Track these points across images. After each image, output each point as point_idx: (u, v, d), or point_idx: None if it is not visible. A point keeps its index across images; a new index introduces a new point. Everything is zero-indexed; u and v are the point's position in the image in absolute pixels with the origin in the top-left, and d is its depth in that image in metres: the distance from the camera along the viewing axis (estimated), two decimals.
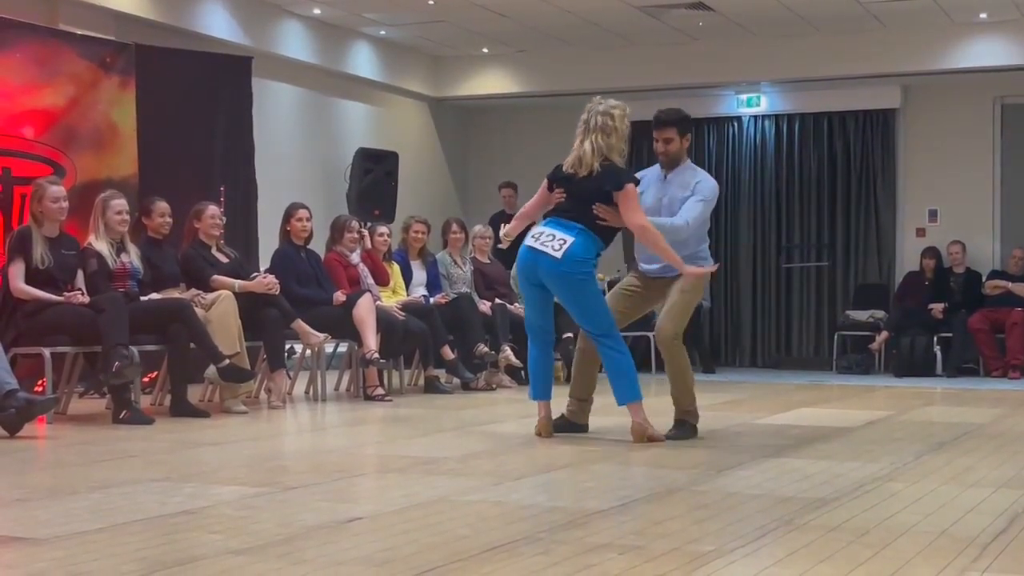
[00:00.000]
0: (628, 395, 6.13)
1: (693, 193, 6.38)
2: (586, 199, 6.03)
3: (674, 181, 6.43)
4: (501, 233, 6.49)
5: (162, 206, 8.05)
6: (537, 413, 6.38)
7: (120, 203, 7.66)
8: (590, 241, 6.04)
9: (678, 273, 6.26)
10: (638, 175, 6.39)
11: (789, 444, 6.19)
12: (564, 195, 6.10)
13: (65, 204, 7.33)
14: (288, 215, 8.98)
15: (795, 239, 13.92)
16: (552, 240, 6.00)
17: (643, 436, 6.12)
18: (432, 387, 9.45)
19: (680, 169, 6.46)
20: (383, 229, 9.83)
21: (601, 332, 6.15)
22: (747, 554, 3.52)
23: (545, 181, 6.26)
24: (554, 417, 6.43)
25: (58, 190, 7.34)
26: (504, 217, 13.13)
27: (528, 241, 6.12)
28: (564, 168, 6.15)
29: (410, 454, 5.84)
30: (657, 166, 6.54)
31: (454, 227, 10.45)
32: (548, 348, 6.39)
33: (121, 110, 9.41)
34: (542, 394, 6.35)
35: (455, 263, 10.34)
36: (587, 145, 6.05)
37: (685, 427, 6.41)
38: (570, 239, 5.98)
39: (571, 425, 6.49)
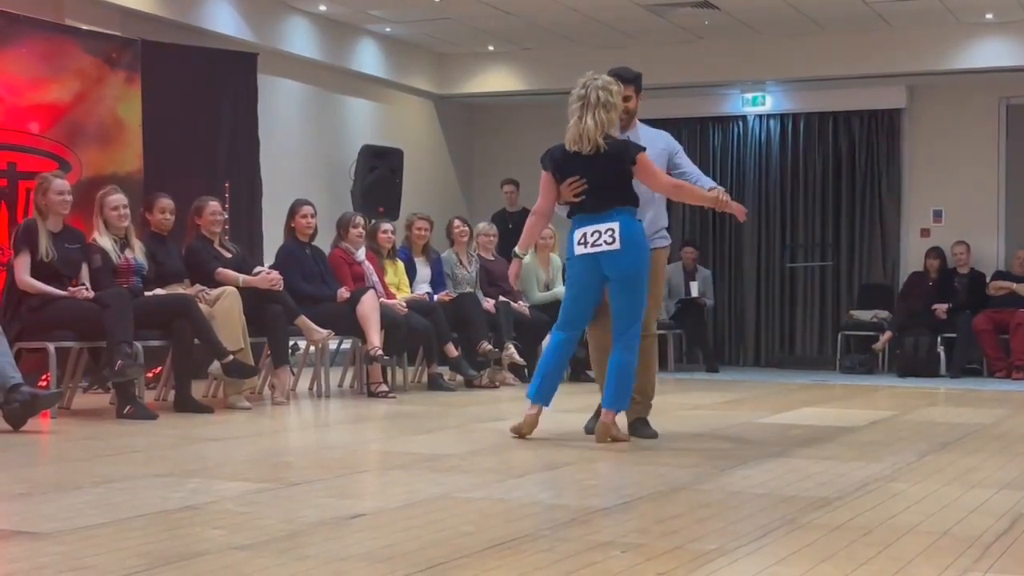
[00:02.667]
0: (621, 403, 6.08)
1: (670, 152, 6.37)
2: (606, 182, 5.96)
3: (642, 141, 6.29)
4: (518, 250, 6.37)
5: (164, 203, 8.05)
6: (527, 410, 6.16)
7: (117, 198, 7.64)
8: (630, 214, 5.99)
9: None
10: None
11: (792, 443, 6.20)
12: (583, 183, 5.97)
13: (69, 198, 7.33)
14: (293, 212, 8.99)
15: (799, 238, 13.91)
16: (600, 236, 5.92)
17: (607, 436, 6.03)
18: (435, 384, 9.45)
19: (633, 131, 6.39)
20: (387, 226, 9.83)
21: (633, 328, 6.00)
22: (749, 553, 3.52)
23: (545, 172, 6.10)
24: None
25: (62, 184, 7.35)
26: (506, 215, 13.18)
27: (578, 251, 5.99)
28: (568, 147, 6.02)
29: (413, 451, 5.84)
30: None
31: (456, 223, 10.44)
32: (571, 347, 6.22)
33: (127, 105, 9.42)
34: (543, 399, 6.15)
35: (460, 263, 10.33)
36: (590, 120, 5.94)
37: (649, 425, 6.38)
38: (615, 224, 5.90)
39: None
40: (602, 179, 5.98)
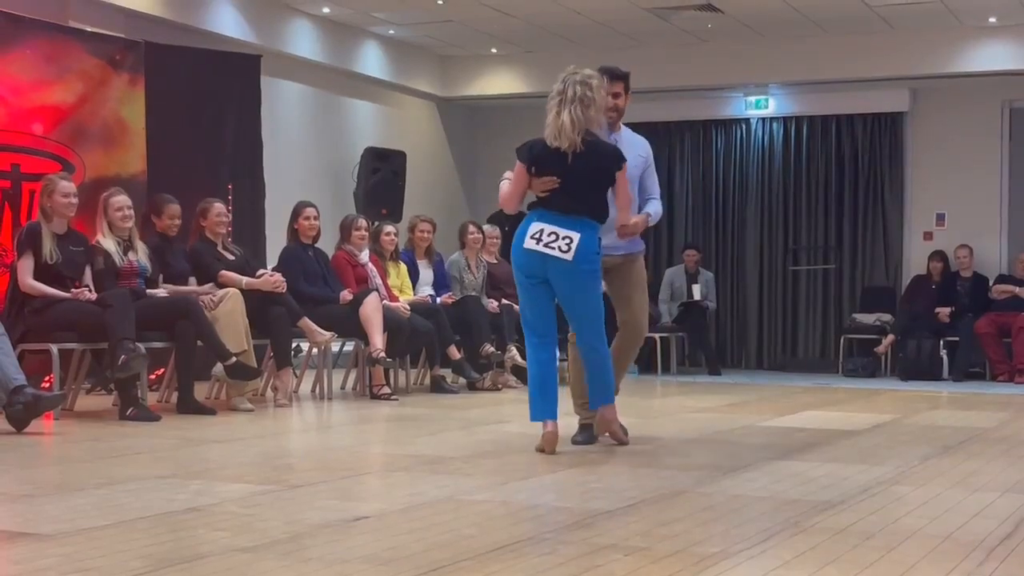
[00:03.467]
0: (607, 398, 5.92)
1: (648, 163, 6.28)
2: (586, 182, 5.70)
3: (625, 143, 6.18)
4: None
5: (173, 209, 8.07)
6: (543, 429, 5.73)
7: (121, 200, 7.65)
8: (594, 230, 5.72)
9: (623, 252, 6.13)
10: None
11: (795, 447, 6.19)
12: (557, 181, 5.69)
13: (75, 200, 7.34)
14: (296, 213, 9.00)
15: (802, 241, 13.92)
16: (556, 240, 5.64)
17: (605, 430, 5.96)
18: (438, 386, 9.45)
19: (618, 132, 6.25)
20: (390, 228, 9.84)
21: (595, 336, 5.82)
22: (752, 556, 3.52)
23: (520, 164, 5.83)
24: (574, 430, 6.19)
25: (68, 186, 7.35)
26: (503, 217, 13.17)
27: (528, 244, 5.68)
28: (548, 142, 5.75)
29: (416, 453, 5.84)
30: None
31: (471, 229, 10.42)
32: (551, 353, 5.82)
33: (130, 107, 9.42)
34: (549, 413, 5.71)
35: (469, 268, 10.32)
36: (565, 117, 5.62)
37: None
38: (576, 235, 5.63)
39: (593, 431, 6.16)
40: (577, 181, 5.70)
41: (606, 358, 5.92)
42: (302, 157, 12.28)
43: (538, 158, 5.79)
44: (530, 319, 5.87)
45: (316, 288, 8.84)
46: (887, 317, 12.85)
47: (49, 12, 9.29)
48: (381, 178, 12.51)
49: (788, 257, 13.97)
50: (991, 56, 12.48)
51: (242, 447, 6.10)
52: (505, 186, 5.99)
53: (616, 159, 5.80)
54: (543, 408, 5.74)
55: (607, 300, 6.13)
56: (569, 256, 5.64)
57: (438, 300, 9.81)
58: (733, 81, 13.59)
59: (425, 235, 10.14)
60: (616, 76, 6.22)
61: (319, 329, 8.41)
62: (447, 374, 9.65)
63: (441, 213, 12.05)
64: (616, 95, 6.20)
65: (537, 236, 5.69)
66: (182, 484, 4.70)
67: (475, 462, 5.48)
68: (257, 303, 8.00)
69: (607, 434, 6.07)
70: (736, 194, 14.07)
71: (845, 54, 12.88)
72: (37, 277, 7.17)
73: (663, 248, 14.32)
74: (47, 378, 7.47)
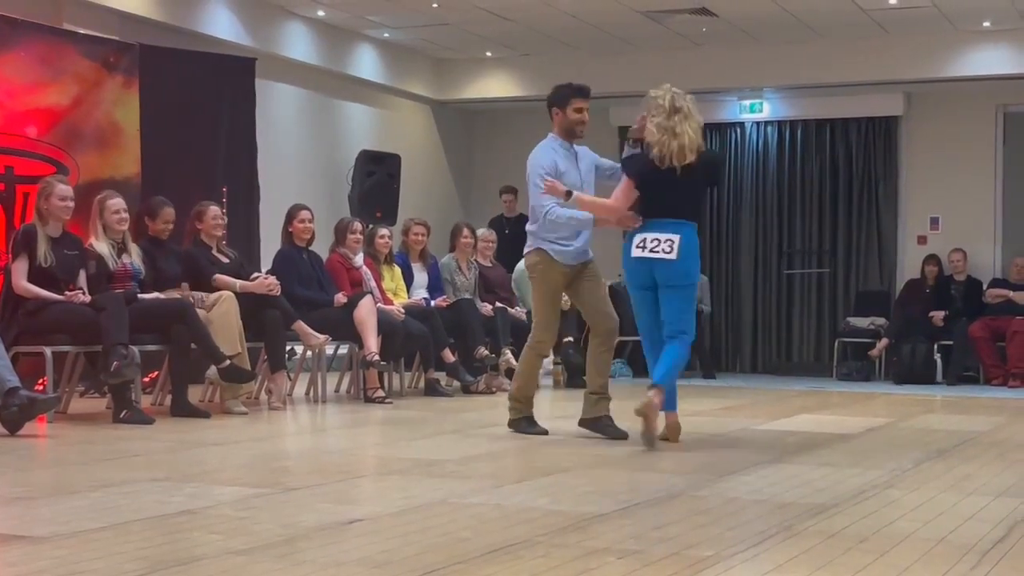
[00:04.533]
0: (668, 380, 6.16)
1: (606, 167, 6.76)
2: (685, 193, 6.11)
3: (581, 154, 6.73)
4: (575, 195, 6.42)
5: (168, 212, 8.06)
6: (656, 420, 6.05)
7: (116, 202, 7.65)
8: (693, 232, 6.17)
9: (580, 261, 6.60)
10: (546, 159, 6.58)
11: (789, 450, 6.20)
12: (642, 196, 6.17)
13: (71, 204, 7.34)
14: (290, 216, 8.99)
15: (796, 245, 13.92)
16: (659, 244, 6.06)
17: (650, 413, 6.01)
18: (432, 390, 9.45)
19: (582, 147, 6.78)
20: (384, 231, 9.83)
21: (685, 332, 6.21)
22: (746, 560, 3.52)
23: (628, 179, 6.22)
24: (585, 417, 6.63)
25: (65, 189, 7.35)
26: (503, 220, 13.19)
27: (635, 252, 6.15)
28: (657, 163, 6.08)
29: (410, 456, 5.84)
30: (552, 143, 6.70)
31: (464, 231, 10.41)
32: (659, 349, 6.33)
33: (124, 110, 9.42)
34: (669, 405, 6.28)
35: (460, 270, 10.32)
36: (690, 130, 6.06)
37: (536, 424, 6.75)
38: (676, 237, 6.05)
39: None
40: (680, 190, 6.11)
41: (685, 350, 6.23)
42: (297, 160, 12.27)
43: (644, 177, 6.19)
44: (645, 327, 6.37)
45: (310, 291, 8.83)
46: (881, 321, 12.86)
47: (43, 14, 9.28)
48: (376, 181, 12.50)
49: (782, 261, 13.97)
50: (985, 60, 12.50)
51: (236, 450, 6.10)
52: (618, 197, 6.34)
53: (714, 176, 6.47)
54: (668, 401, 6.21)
55: (575, 311, 6.66)
56: (673, 255, 6.07)
57: (432, 303, 9.80)
58: (727, 85, 13.59)
59: (419, 238, 10.13)
60: (589, 94, 6.71)
61: (313, 332, 8.41)
62: (441, 377, 9.65)
63: (436, 216, 12.04)
64: (582, 110, 6.66)
65: (642, 244, 6.14)
66: (176, 487, 4.70)
67: (469, 465, 5.48)
68: (251, 306, 8.00)
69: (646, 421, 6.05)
70: (730, 198, 14.07)
71: (840, 58, 12.90)
72: (31, 280, 7.17)
73: None
74: (41, 380, 7.46)
